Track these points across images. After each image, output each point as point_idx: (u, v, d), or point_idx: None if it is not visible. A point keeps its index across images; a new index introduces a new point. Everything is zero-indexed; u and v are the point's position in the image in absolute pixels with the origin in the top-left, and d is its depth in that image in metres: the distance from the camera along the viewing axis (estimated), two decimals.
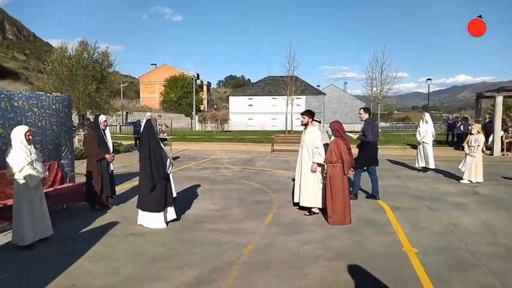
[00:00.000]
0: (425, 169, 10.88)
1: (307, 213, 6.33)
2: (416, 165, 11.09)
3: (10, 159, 4.71)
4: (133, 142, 20.68)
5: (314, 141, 6.15)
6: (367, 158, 7.44)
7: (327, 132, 6.07)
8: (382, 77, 36.27)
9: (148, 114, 12.60)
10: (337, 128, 6.04)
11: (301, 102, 51.48)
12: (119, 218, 6.15)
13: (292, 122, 39.21)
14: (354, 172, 7.24)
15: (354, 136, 7.62)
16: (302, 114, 6.45)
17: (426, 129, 10.80)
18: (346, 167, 5.77)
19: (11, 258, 4.46)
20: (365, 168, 7.56)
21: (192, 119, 56.12)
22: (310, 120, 6.39)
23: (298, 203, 6.39)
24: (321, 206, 6.21)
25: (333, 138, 6.03)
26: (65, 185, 6.55)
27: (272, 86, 55.74)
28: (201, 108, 65.17)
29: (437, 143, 17.34)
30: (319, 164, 6.13)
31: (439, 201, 7.36)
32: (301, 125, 6.42)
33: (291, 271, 4.06)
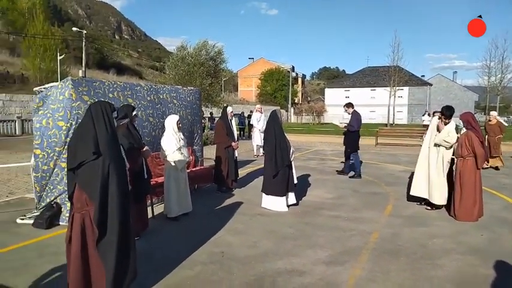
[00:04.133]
0: None
1: (429, 208, 6.16)
2: None
3: (164, 144, 5.54)
4: (238, 132, 21.94)
5: (450, 137, 5.82)
6: (355, 143, 8.89)
7: (457, 125, 5.76)
8: (503, 65, 32.26)
9: (258, 106, 13.31)
10: (468, 120, 5.73)
11: (403, 94, 48.63)
12: (243, 199, 6.76)
13: (394, 115, 37.25)
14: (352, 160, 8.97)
15: (342, 126, 9.11)
16: (448, 116, 5.99)
17: None
18: (479, 160, 5.47)
19: (164, 227, 5.29)
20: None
21: (287, 111, 56.93)
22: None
23: (423, 199, 6.20)
24: (445, 203, 5.99)
25: (463, 130, 5.73)
26: (197, 168, 7.42)
27: (371, 77, 53.59)
28: (296, 101, 65.57)
29: None
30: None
31: None
32: (445, 124, 5.99)
33: (423, 261, 4.10)
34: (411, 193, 6.29)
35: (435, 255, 4.25)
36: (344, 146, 9.30)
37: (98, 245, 2.79)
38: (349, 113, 9.02)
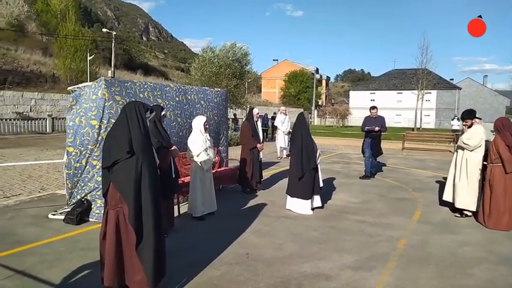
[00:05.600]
0: None
1: (458, 215, 5.99)
2: None
3: (190, 144, 5.61)
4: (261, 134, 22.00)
5: (471, 140, 5.70)
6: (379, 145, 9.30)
7: (492, 131, 5.60)
8: None
9: (283, 108, 13.30)
10: (497, 124, 5.56)
11: (431, 98, 47.46)
12: (267, 201, 6.75)
13: (421, 119, 36.36)
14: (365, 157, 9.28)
15: (377, 129, 8.90)
16: (465, 118, 5.89)
17: None
18: (506, 165, 5.27)
19: (190, 226, 5.35)
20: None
21: (310, 113, 56.54)
22: (473, 121, 5.92)
23: (451, 204, 6.06)
24: (474, 209, 5.81)
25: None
26: (222, 169, 7.48)
27: (398, 80, 52.61)
28: (319, 103, 65.07)
29: None
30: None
31: None
32: (468, 127, 5.91)
33: (453, 269, 3.98)
34: (443, 198, 6.24)
35: (466, 264, 4.12)
36: (365, 150, 9.33)
37: (137, 245, 2.85)
38: (373, 116, 9.27)
